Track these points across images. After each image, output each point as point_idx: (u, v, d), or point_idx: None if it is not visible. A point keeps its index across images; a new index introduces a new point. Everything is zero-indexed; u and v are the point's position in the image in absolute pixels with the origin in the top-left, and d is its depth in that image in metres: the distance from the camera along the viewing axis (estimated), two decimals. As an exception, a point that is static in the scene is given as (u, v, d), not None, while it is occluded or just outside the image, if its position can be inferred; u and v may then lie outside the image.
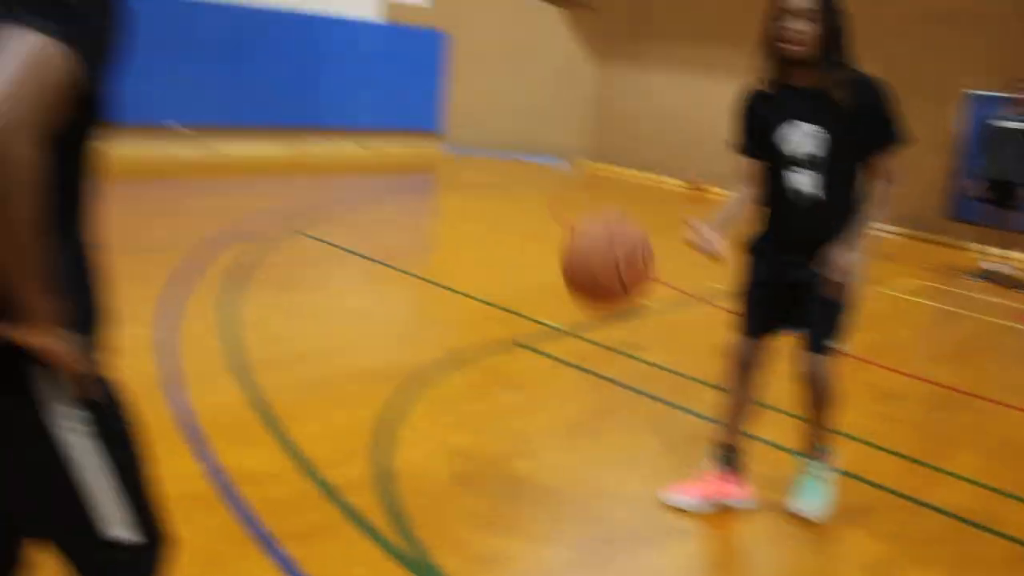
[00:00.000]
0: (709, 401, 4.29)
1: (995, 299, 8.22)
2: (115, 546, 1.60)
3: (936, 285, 8.68)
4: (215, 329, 4.85)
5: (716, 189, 12.28)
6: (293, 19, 11.73)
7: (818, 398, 3.23)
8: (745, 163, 3.21)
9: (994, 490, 3.83)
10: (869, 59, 11.36)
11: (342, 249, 7.04)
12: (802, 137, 3.03)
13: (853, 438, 4.05)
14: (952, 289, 8.63)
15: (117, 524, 1.59)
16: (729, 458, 3.41)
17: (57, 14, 1.29)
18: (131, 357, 4.03)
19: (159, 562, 1.73)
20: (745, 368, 3.35)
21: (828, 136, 3.00)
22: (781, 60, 2.99)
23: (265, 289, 5.78)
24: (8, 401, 1.47)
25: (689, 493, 3.39)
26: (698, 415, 4.26)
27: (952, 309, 7.82)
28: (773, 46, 2.96)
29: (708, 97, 13.37)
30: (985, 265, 9.13)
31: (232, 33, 11.15)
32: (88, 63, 1.35)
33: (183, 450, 3.40)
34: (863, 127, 2.98)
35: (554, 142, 14.93)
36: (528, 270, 7.40)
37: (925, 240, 11.19)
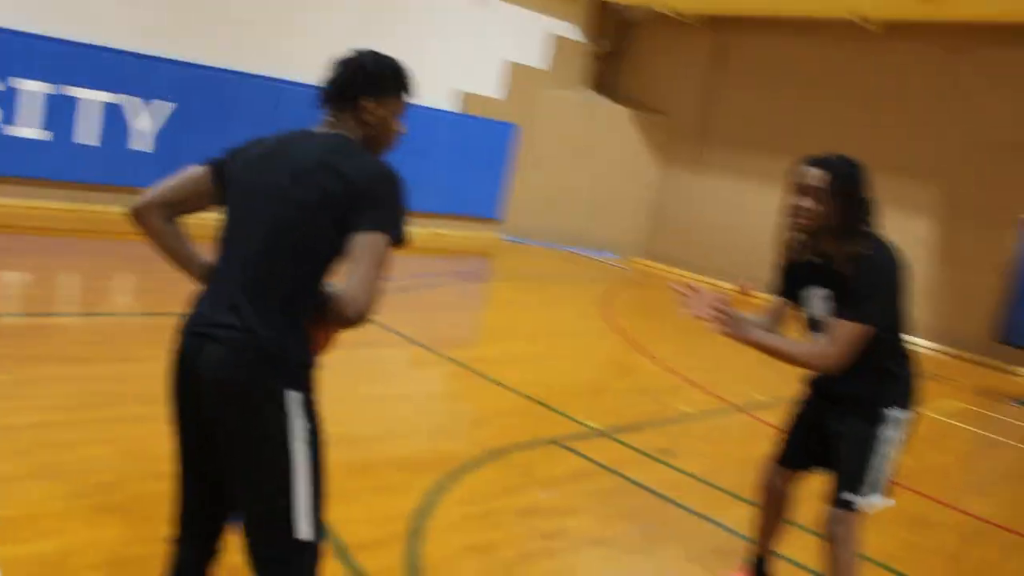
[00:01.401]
0: (739, 515, 4.40)
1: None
2: (301, 545, 2.16)
3: (979, 409, 8.65)
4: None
5: (765, 296, 12.38)
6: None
7: (829, 564, 3.18)
8: (774, 301, 3.38)
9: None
10: (932, 186, 11.55)
11: (393, 332, 7.29)
12: (817, 300, 3.15)
13: (878, 564, 4.12)
14: (995, 415, 8.60)
15: (306, 524, 2.17)
16: (758, 566, 3.61)
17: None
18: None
19: (319, 558, 2.25)
20: (772, 494, 3.52)
21: (834, 303, 3.06)
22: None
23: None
24: (276, 411, 2.12)
25: None
26: (727, 528, 4.36)
27: (993, 436, 7.80)
28: (788, 218, 3.07)
29: (762, 205, 13.58)
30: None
31: (305, 112, 11.66)
32: None
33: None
34: (849, 299, 2.98)
35: (609, 238, 15.22)
36: (571, 366, 7.57)
37: (971, 361, 11.15)
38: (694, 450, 5.65)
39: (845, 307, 2.97)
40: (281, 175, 2.20)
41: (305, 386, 2.20)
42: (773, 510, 3.55)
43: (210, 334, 2.13)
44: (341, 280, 2.12)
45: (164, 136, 10.50)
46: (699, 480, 5.06)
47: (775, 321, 3.34)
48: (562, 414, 5.84)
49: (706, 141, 14.85)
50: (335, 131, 2.30)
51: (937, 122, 12.12)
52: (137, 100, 10.25)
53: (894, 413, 3.15)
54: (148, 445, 4.16)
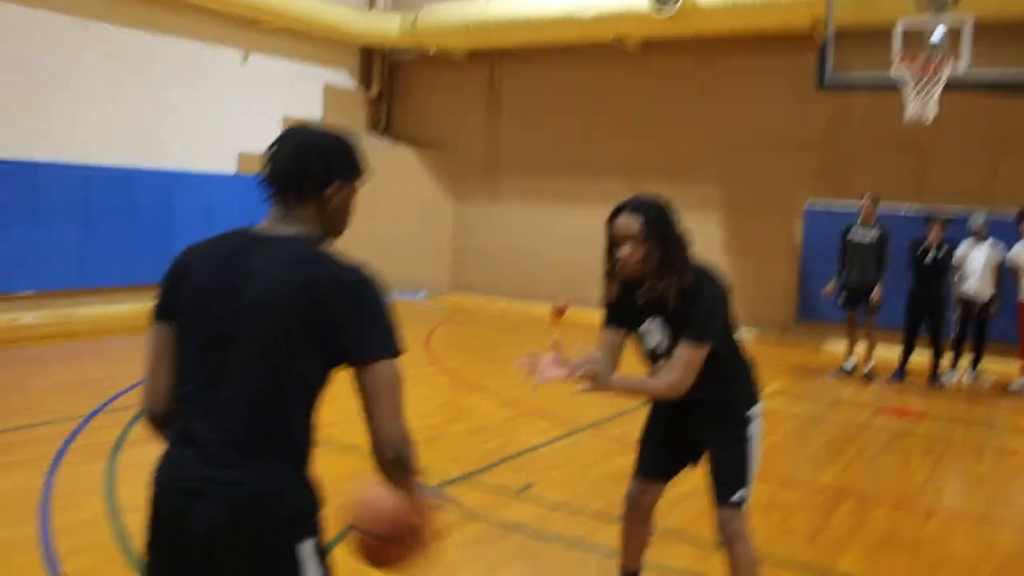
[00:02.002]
0: (612, 533, 4.37)
1: (852, 395, 8.75)
2: None
3: (794, 386, 9.15)
4: (106, 519, 4.60)
5: (577, 309, 12.66)
6: (143, 176, 11.64)
7: (734, 562, 3.24)
8: (605, 334, 3.33)
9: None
10: (716, 185, 12.10)
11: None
12: (653, 334, 3.23)
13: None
14: (810, 388, 9.13)
15: None
16: None
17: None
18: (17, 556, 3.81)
19: None
20: (639, 510, 3.54)
21: (670, 328, 3.17)
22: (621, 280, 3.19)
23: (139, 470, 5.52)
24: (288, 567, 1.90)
25: None
26: (604, 551, 4.32)
27: (814, 408, 8.25)
28: (611, 270, 3.16)
29: (559, 225, 14.01)
30: (844, 364, 9.72)
31: (82, 194, 10.94)
32: None
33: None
34: (683, 327, 3.10)
35: (415, 278, 15.12)
36: (409, 416, 7.35)
37: (777, 342, 11.83)
38: (551, 478, 5.60)
39: (681, 334, 3.09)
40: (244, 303, 1.94)
41: (315, 532, 1.98)
42: (641, 525, 3.58)
43: (199, 491, 1.87)
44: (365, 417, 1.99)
45: None
46: (564, 508, 5.02)
47: (610, 354, 3.31)
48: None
49: (495, 171, 15.10)
50: (291, 230, 2.04)
51: (705, 126, 12.86)
52: None
53: (753, 410, 3.30)
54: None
